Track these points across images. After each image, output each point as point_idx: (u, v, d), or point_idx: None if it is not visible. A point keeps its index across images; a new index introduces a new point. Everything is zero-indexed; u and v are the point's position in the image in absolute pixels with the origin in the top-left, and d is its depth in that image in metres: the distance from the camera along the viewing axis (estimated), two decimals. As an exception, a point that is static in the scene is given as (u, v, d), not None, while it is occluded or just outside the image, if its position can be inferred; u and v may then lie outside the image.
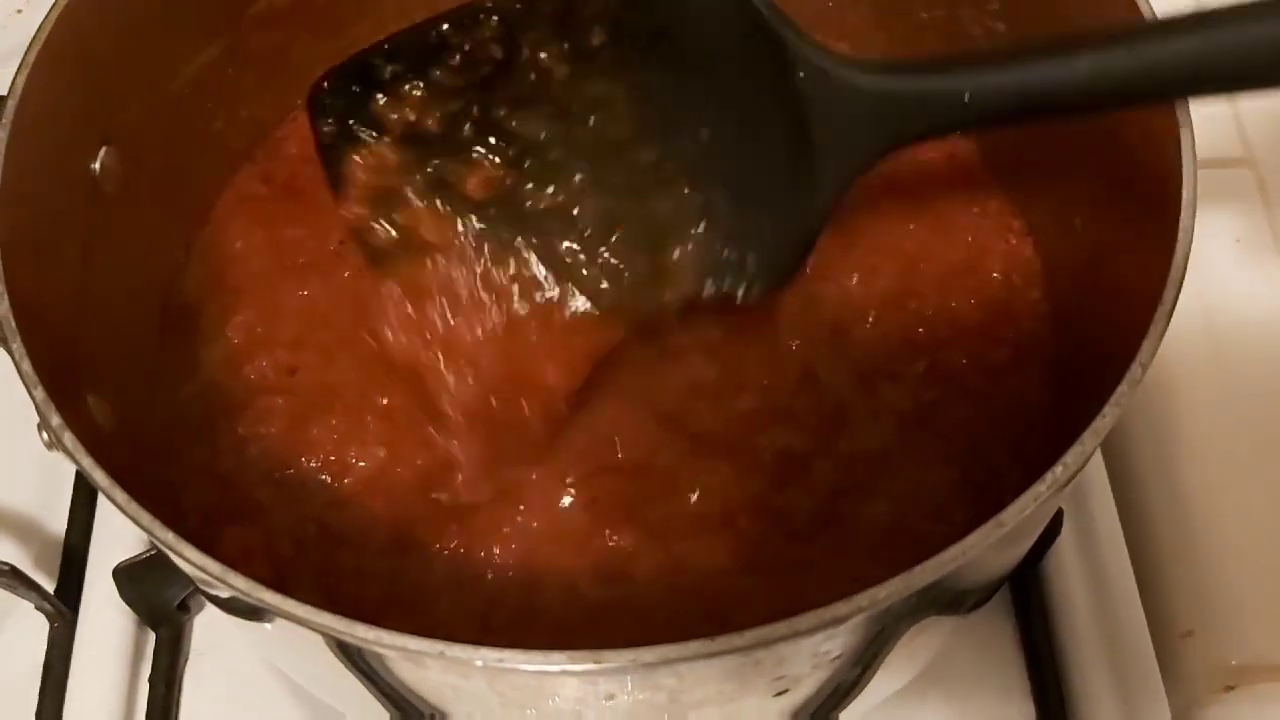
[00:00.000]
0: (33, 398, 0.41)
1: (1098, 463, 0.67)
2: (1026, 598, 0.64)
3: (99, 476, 0.40)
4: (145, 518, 0.39)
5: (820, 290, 0.58)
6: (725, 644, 0.36)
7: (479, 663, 0.36)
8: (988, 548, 0.39)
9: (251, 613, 0.43)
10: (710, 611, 0.50)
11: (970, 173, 0.63)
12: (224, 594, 0.39)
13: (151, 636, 0.64)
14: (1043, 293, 0.59)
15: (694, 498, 0.53)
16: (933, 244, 0.61)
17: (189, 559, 0.38)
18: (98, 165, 0.53)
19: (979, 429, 0.56)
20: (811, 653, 0.39)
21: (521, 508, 0.53)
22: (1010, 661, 0.63)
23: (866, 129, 0.45)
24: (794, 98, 0.45)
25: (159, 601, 0.62)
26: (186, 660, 0.64)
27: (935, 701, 0.62)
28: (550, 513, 0.53)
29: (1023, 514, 0.38)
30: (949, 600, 0.45)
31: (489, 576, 0.52)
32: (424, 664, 0.38)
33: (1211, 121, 0.79)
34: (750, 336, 0.57)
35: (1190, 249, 0.43)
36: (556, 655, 0.36)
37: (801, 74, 0.45)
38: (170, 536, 0.38)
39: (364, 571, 0.53)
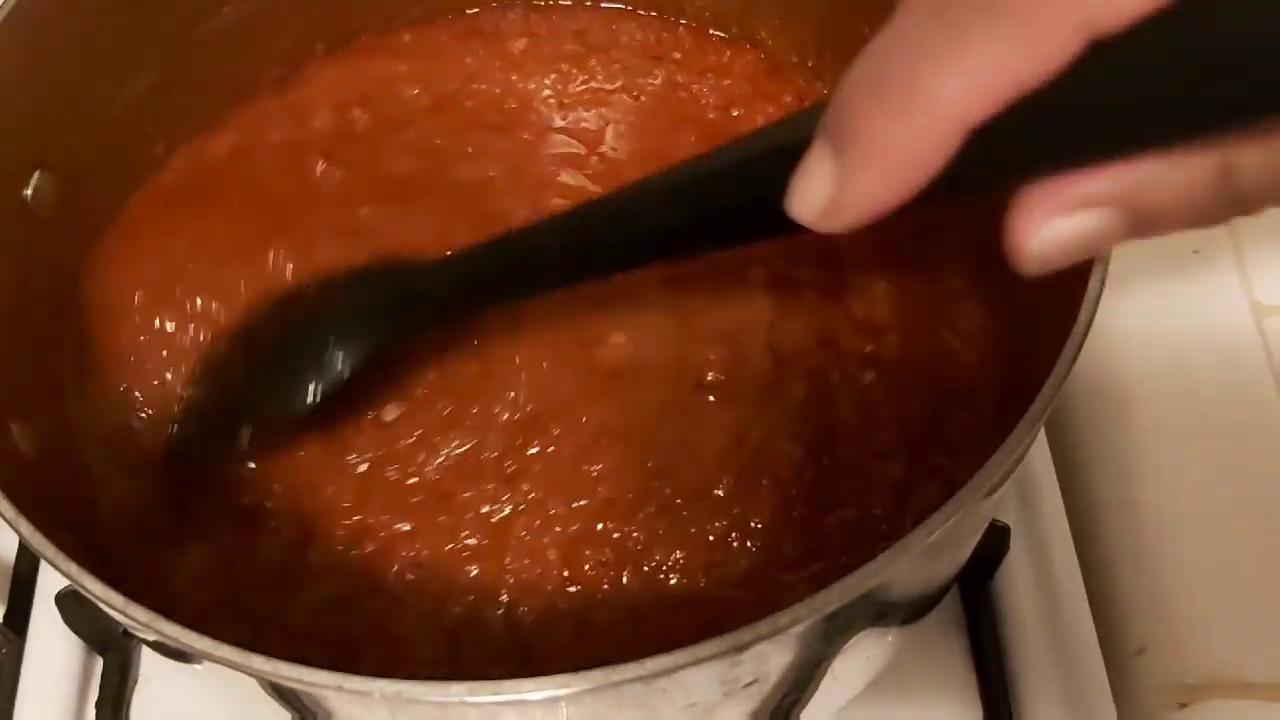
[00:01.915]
0: (-62, 424, 0.41)
1: (1050, 478, 0.67)
2: (977, 614, 0.63)
3: (4, 508, 0.40)
4: (49, 550, 0.39)
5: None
6: (626, 673, 0.35)
7: (377, 694, 0.36)
8: (902, 568, 0.39)
9: (165, 650, 0.43)
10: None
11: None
12: (127, 624, 0.39)
13: (99, 662, 0.63)
14: (986, 317, 0.59)
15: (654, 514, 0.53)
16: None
17: (91, 590, 0.38)
18: (30, 191, 0.53)
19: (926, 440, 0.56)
20: (720, 679, 0.39)
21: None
22: (960, 678, 0.62)
23: None
24: None
25: (105, 627, 0.62)
26: (134, 685, 0.63)
27: (882, 717, 0.61)
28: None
29: (929, 538, 0.38)
30: (877, 615, 0.45)
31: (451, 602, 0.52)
32: (325, 696, 0.38)
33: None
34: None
35: (1105, 278, 0.42)
36: (455, 687, 0.36)
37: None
38: (74, 568, 0.38)
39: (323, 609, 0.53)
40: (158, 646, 0.45)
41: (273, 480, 0.55)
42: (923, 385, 0.56)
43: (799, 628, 0.37)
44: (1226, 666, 0.62)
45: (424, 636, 0.50)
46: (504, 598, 0.51)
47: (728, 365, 0.57)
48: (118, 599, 0.38)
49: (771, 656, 0.40)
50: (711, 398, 0.56)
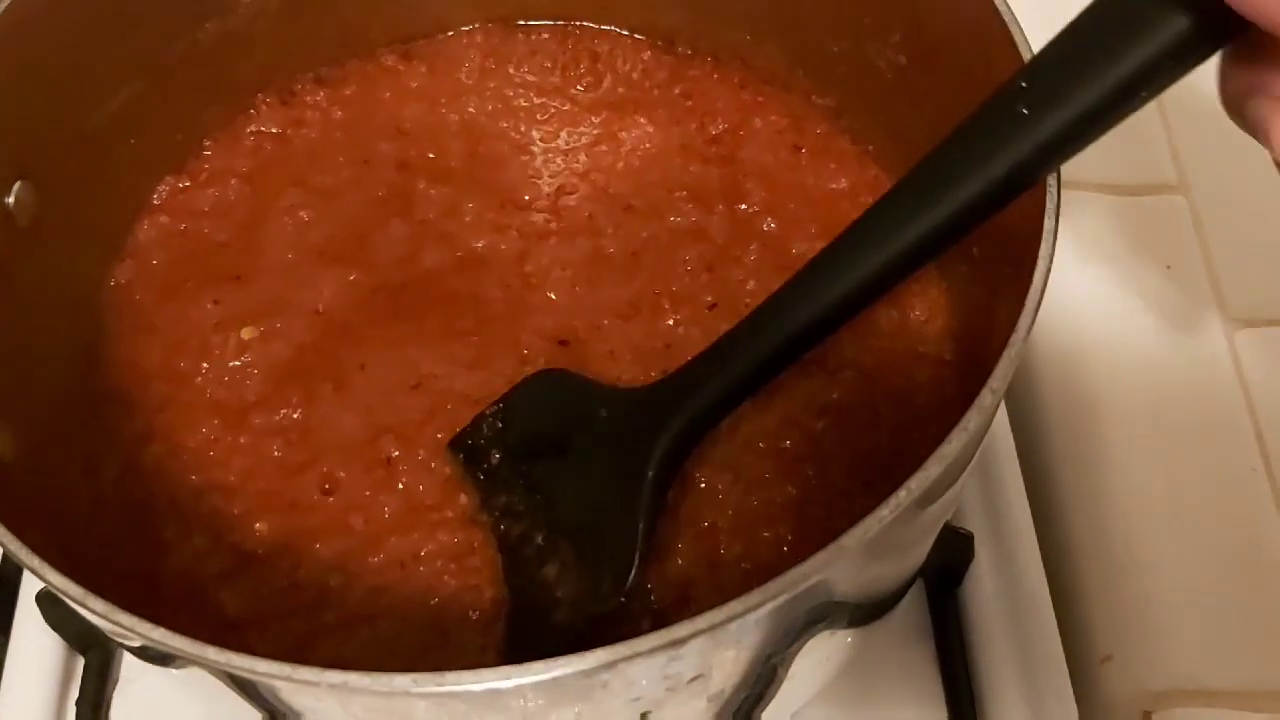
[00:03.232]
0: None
1: (1017, 487, 0.68)
2: (943, 620, 0.64)
3: (-32, 503, 0.41)
4: (13, 543, 0.40)
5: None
6: (566, 666, 0.36)
7: (325, 684, 0.37)
8: (839, 568, 0.39)
9: (137, 651, 0.44)
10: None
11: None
12: (86, 616, 0.40)
13: (80, 662, 0.65)
14: (947, 329, 0.60)
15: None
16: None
17: (52, 583, 0.39)
18: (11, 199, 0.54)
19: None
20: (661, 674, 0.40)
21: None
22: (926, 684, 0.64)
23: (651, 436, 0.51)
24: (602, 433, 0.54)
25: (86, 627, 0.63)
26: (115, 686, 0.65)
27: (848, 725, 0.62)
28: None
29: (866, 536, 0.38)
30: (824, 614, 0.45)
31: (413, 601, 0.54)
32: (277, 688, 0.39)
33: (1146, 148, 0.81)
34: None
35: (1046, 283, 0.43)
36: (400, 679, 0.36)
37: (603, 411, 0.54)
38: (35, 561, 0.39)
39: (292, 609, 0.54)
40: (128, 647, 0.46)
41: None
42: (886, 416, 0.57)
43: (734, 624, 0.38)
44: (1192, 674, 0.63)
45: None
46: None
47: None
48: (76, 590, 0.39)
49: (713, 652, 0.41)
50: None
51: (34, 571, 0.40)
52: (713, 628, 0.37)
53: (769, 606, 0.38)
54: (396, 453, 0.56)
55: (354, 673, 0.37)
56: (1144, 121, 0.82)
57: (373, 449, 0.56)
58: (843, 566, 0.40)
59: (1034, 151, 0.42)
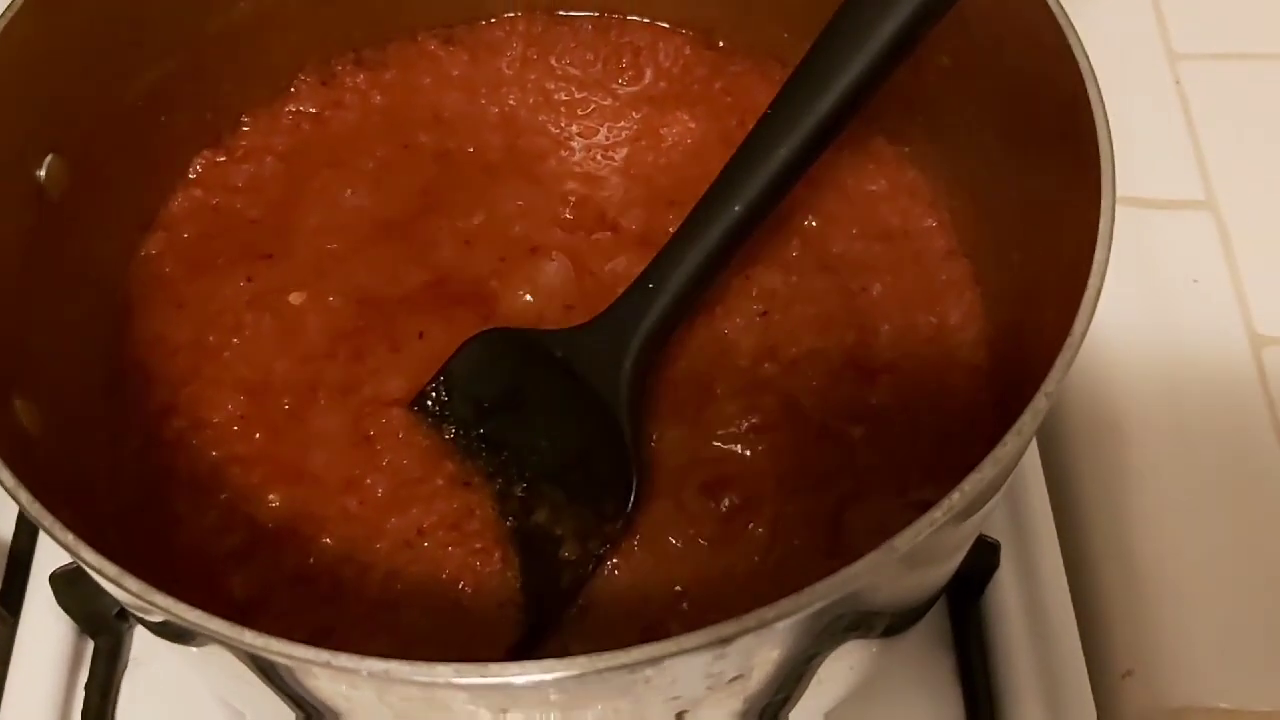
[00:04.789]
0: (-54, 394, 0.42)
1: (1042, 500, 0.67)
2: (965, 631, 0.64)
3: (4, 476, 0.40)
4: (47, 519, 0.39)
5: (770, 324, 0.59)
6: (611, 660, 0.36)
7: (365, 672, 0.36)
8: (886, 572, 0.39)
9: (161, 630, 0.44)
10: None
11: (920, 213, 0.64)
12: (119, 595, 0.39)
13: (90, 645, 0.64)
14: (982, 336, 0.59)
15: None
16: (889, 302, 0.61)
17: (87, 560, 0.38)
18: (43, 172, 0.54)
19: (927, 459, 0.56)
20: (704, 673, 0.39)
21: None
22: (946, 694, 0.63)
23: (613, 362, 0.54)
24: (567, 374, 0.55)
25: (96, 609, 0.63)
26: (125, 669, 0.64)
27: (868, 733, 0.62)
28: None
29: (917, 539, 0.38)
30: (860, 622, 0.45)
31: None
32: (312, 673, 0.38)
33: (1174, 165, 0.80)
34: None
35: (1100, 290, 0.43)
36: (442, 668, 0.36)
37: (558, 352, 0.55)
38: (70, 538, 0.39)
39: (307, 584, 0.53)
40: (152, 626, 0.46)
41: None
42: (922, 423, 0.57)
43: (784, 623, 0.37)
44: (1212, 692, 0.62)
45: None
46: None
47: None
48: (111, 569, 0.38)
49: (756, 652, 0.40)
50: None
51: (68, 549, 0.39)
52: (761, 626, 0.36)
53: (817, 607, 0.37)
54: (372, 432, 0.56)
55: (395, 661, 0.36)
56: (1171, 137, 0.82)
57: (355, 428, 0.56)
58: (888, 571, 0.39)
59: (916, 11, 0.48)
